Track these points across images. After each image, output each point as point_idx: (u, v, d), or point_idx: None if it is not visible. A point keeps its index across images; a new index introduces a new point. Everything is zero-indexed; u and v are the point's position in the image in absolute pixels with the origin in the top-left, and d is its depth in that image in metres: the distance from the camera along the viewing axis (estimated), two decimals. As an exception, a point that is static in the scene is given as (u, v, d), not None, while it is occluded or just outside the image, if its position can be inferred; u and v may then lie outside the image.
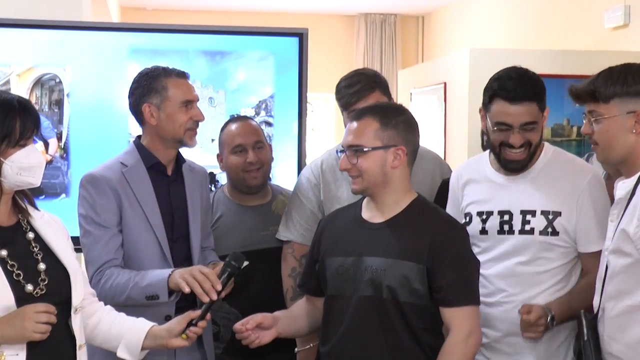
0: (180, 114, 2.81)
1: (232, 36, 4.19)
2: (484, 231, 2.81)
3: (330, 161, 3.19)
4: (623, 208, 2.38)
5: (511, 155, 2.74)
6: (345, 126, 2.89)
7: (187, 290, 2.57)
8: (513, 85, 2.70)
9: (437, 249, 2.52)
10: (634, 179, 2.38)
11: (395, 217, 2.60)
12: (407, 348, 2.53)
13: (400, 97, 6.74)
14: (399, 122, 2.59)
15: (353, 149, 2.57)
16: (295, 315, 2.79)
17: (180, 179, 2.92)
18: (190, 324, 2.48)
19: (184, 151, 2.96)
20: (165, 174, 2.88)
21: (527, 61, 5.16)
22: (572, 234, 2.74)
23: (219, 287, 2.57)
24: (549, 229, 2.73)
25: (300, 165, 3.90)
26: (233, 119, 3.50)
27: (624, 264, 2.33)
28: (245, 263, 2.61)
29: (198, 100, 2.89)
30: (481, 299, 2.64)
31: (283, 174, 3.83)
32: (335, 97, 3.23)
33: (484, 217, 2.80)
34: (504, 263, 2.77)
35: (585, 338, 2.47)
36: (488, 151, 2.92)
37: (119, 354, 2.45)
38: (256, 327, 2.67)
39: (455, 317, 2.52)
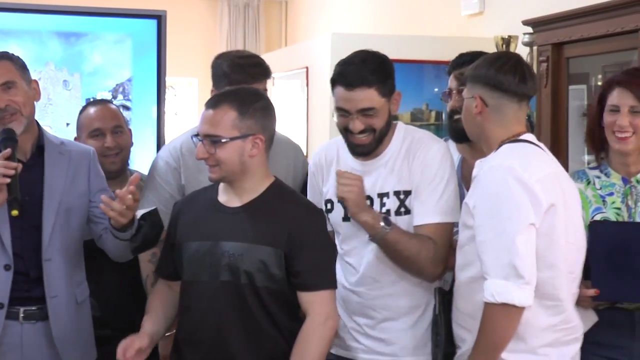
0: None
1: (88, 17, 4.05)
2: (346, 218, 2.80)
3: (189, 144, 3.09)
4: None
5: (356, 140, 2.74)
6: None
7: (3, 180, 2.55)
8: (352, 71, 2.70)
9: (295, 234, 2.52)
10: (487, 158, 2.49)
11: (252, 202, 2.57)
12: (265, 332, 2.53)
13: (264, 81, 6.69)
14: (257, 110, 2.55)
15: (210, 139, 2.51)
16: (159, 315, 2.70)
17: (39, 164, 2.78)
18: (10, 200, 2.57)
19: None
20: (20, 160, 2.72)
21: (388, 46, 5.23)
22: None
23: (7, 152, 2.59)
24: (402, 209, 2.74)
25: (160, 149, 3.81)
26: (92, 102, 3.40)
27: (468, 236, 2.43)
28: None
29: (14, 84, 2.72)
30: (351, 287, 2.66)
31: (142, 159, 3.72)
32: (222, 72, 3.12)
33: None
34: (369, 248, 2.76)
35: (437, 312, 2.58)
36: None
37: None
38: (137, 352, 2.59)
39: (313, 301, 2.53)
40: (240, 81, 3.00)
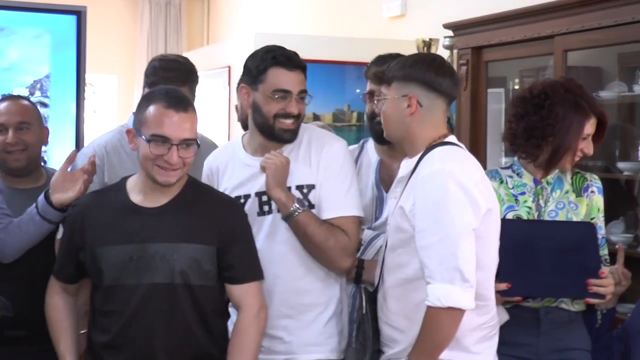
0: None
1: (4, 11, 3.95)
2: (261, 212, 2.77)
3: (114, 142, 3.07)
4: (404, 186, 2.48)
5: (286, 125, 2.72)
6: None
7: None
8: (291, 55, 2.74)
9: (225, 229, 2.53)
10: (415, 159, 2.48)
11: (172, 201, 2.54)
12: (194, 333, 2.51)
13: (185, 80, 6.62)
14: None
15: (187, 143, 2.47)
16: (70, 332, 2.64)
17: None
18: None
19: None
20: None
21: (310, 47, 5.26)
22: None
23: None
24: (306, 203, 2.70)
25: (79, 148, 3.75)
26: (5, 97, 3.29)
27: (402, 238, 2.42)
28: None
29: None
30: None
31: (60, 157, 3.65)
32: (145, 73, 3.11)
33: (242, 200, 2.76)
34: (267, 243, 2.73)
35: (364, 311, 2.57)
36: (241, 136, 2.92)
37: None
38: None
39: (246, 294, 2.55)
40: (154, 83, 3.00)
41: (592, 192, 2.81)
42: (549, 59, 3.82)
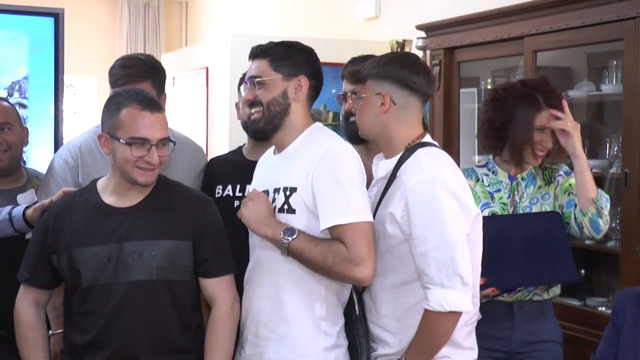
0: None
1: (-17, 13, 3.92)
2: None
3: (89, 143, 3.05)
4: (382, 187, 2.45)
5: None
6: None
7: None
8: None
9: (199, 224, 2.54)
10: (393, 160, 2.45)
11: (145, 200, 2.54)
12: (174, 329, 2.52)
13: (164, 80, 6.60)
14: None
15: (163, 142, 2.48)
16: (36, 340, 2.58)
17: None
18: None
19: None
20: None
21: (286, 48, 5.26)
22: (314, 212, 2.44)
23: None
24: (286, 206, 2.46)
25: (57, 149, 3.71)
26: None
27: (391, 244, 2.40)
28: None
29: None
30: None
31: (39, 157, 3.63)
32: (108, 72, 3.09)
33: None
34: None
35: (357, 313, 2.51)
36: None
37: None
38: None
39: (219, 287, 2.56)
40: (114, 83, 3.01)
41: (560, 175, 2.90)
42: (519, 59, 3.84)
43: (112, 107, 2.50)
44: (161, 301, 2.49)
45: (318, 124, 2.54)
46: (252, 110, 2.52)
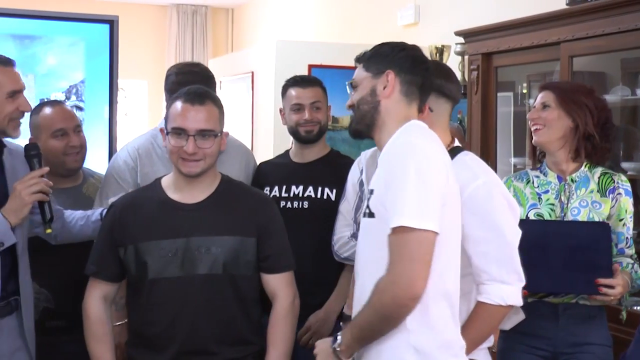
0: (5, 105, 2.57)
1: (43, 21, 3.99)
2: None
3: (147, 146, 3.11)
4: None
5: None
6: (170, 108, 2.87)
7: (47, 198, 2.58)
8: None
9: (263, 222, 2.58)
10: None
11: (211, 197, 2.58)
12: (237, 321, 2.54)
13: (211, 85, 6.65)
14: (222, 107, 2.61)
15: (203, 133, 2.50)
16: (103, 336, 2.61)
17: None
18: (47, 220, 2.62)
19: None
20: None
21: (328, 53, 5.29)
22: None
23: (46, 170, 2.61)
24: (367, 210, 2.22)
25: (111, 149, 3.79)
26: (46, 103, 3.32)
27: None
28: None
29: (24, 88, 2.65)
30: None
31: (94, 157, 3.68)
32: (165, 87, 3.15)
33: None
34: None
35: None
36: None
37: None
38: None
39: (281, 283, 2.60)
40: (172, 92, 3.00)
41: (619, 194, 2.78)
42: (555, 65, 3.81)
43: (169, 103, 2.59)
44: (226, 294, 2.52)
45: (415, 120, 2.26)
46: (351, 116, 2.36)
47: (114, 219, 2.59)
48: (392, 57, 2.29)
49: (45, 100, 3.63)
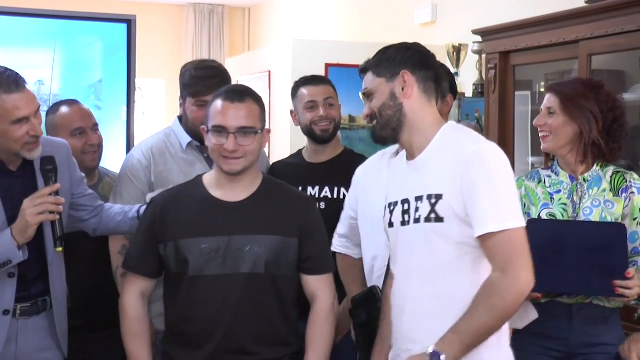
0: (14, 131, 2.47)
1: (61, 20, 4.01)
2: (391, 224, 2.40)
3: (160, 145, 3.10)
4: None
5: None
6: (184, 108, 2.96)
7: (54, 217, 2.51)
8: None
9: (304, 222, 2.56)
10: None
11: (254, 195, 2.56)
12: (276, 322, 2.53)
13: (228, 84, 6.66)
14: (263, 105, 2.60)
15: (244, 131, 2.48)
16: (142, 333, 2.59)
17: (29, 173, 2.62)
18: (57, 238, 2.53)
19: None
20: (5, 170, 2.59)
21: (345, 52, 5.28)
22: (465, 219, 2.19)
23: (57, 187, 2.54)
24: (433, 215, 2.20)
25: (129, 148, 3.80)
26: (63, 102, 3.30)
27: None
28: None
29: (37, 109, 2.54)
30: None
31: (111, 156, 3.69)
32: (184, 82, 3.10)
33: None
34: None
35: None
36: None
37: None
38: None
39: (321, 284, 2.59)
40: (197, 93, 3.00)
41: (632, 193, 2.74)
42: (573, 63, 3.78)
43: (209, 102, 2.57)
44: (266, 294, 2.50)
45: (452, 122, 2.32)
46: (373, 124, 2.34)
47: (155, 215, 2.57)
48: (401, 57, 2.29)
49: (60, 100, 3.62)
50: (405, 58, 2.28)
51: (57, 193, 2.54)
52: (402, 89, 2.25)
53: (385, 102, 2.27)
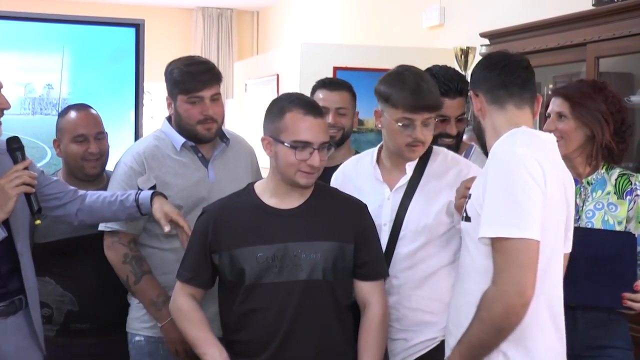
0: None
1: (70, 25, 4.02)
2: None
3: (151, 149, 2.99)
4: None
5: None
6: (174, 107, 2.96)
7: (31, 189, 2.54)
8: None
9: (360, 228, 2.52)
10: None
11: (307, 202, 2.52)
12: (333, 329, 2.49)
13: (236, 87, 6.69)
14: None
15: (326, 146, 2.46)
16: (200, 319, 2.55)
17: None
18: (35, 212, 2.56)
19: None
20: None
21: (353, 55, 5.29)
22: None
23: (28, 162, 2.59)
24: (464, 214, 2.31)
25: (138, 152, 3.78)
26: (73, 106, 3.29)
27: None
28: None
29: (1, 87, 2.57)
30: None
31: (120, 161, 3.69)
32: (176, 79, 3.07)
33: None
34: None
35: None
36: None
37: None
38: None
39: (375, 290, 2.54)
40: (192, 89, 2.95)
41: (637, 195, 2.73)
42: (581, 66, 3.78)
43: (275, 111, 2.49)
44: (323, 301, 2.46)
45: (523, 127, 2.24)
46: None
47: (207, 225, 2.52)
48: (472, 77, 2.34)
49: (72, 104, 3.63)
50: (473, 77, 2.36)
51: (28, 169, 2.59)
52: (479, 110, 2.34)
53: (476, 118, 2.39)
